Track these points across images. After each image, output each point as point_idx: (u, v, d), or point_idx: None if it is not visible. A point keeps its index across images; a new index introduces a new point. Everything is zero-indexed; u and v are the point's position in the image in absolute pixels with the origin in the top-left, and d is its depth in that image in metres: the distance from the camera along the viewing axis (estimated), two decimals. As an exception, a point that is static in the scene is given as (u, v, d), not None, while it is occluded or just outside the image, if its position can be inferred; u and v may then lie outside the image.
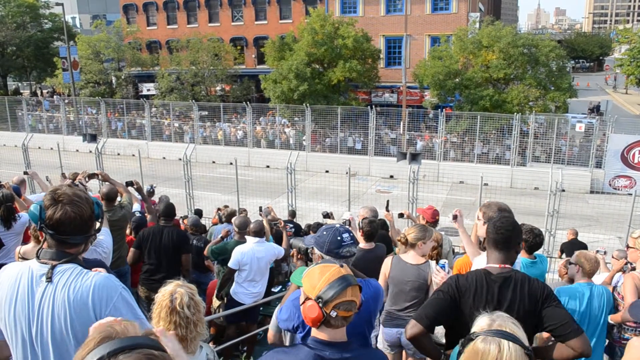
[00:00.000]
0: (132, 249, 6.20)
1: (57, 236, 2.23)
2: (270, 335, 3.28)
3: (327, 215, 9.19)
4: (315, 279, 2.17)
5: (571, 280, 4.65)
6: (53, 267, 2.20)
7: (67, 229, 2.22)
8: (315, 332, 2.21)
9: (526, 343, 1.80)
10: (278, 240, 7.64)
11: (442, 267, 3.57)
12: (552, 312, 2.79)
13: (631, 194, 13.53)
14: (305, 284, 2.22)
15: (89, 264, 2.39)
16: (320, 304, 2.11)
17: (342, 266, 2.22)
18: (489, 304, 2.73)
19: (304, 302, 2.18)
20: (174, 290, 2.70)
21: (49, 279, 2.17)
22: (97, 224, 2.40)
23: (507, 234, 2.93)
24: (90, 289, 2.17)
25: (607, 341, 4.77)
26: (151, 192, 10.46)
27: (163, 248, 6.10)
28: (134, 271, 6.46)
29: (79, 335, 2.15)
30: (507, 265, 2.92)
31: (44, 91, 49.94)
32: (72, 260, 2.26)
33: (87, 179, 5.88)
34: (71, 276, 2.19)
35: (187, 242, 6.35)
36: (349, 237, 2.94)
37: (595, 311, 4.24)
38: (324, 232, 2.99)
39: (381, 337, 4.65)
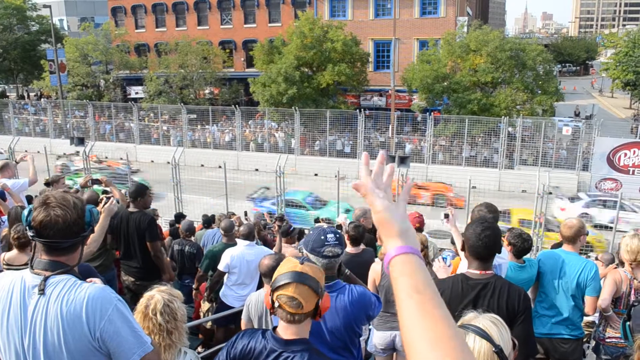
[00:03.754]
0: (107, 235, 5.92)
1: (37, 239, 2.17)
2: (242, 325, 3.56)
3: (317, 220, 9.22)
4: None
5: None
6: (46, 279, 2.13)
7: (50, 232, 2.14)
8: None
9: (499, 342, 1.78)
10: (265, 244, 7.62)
11: (445, 259, 3.56)
12: (521, 328, 2.86)
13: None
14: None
15: (80, 269, 2.34)
16: (271, 291, 2.22)
17: (302, 263, 2.24)
18: (465, 308, 2.73)
19: None
20: (152, 296, 2.68)
21: (42, 292, 2.10)
22: (88, 231, 2.34)
23: (489, 246, 2.93)
24: (83, 302, 2.09)
25: (594, 342, 4.83)
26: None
27: (130, 234, 5.96)
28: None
29: (72, 348, 2.09)
30: (487, 272, 2.94)
31: (31, 94, 49.43)
32: (67, 272, 2.19)
33: (90, 184, 5.87)
34: (64, 288, 2.12)
35: (152, 229, 6.01)
36: (333, 238, 2.96)
37: (568, 277, 4.36)
38: (311, 232, 3.08)
39: (373, 341, 4.58)
